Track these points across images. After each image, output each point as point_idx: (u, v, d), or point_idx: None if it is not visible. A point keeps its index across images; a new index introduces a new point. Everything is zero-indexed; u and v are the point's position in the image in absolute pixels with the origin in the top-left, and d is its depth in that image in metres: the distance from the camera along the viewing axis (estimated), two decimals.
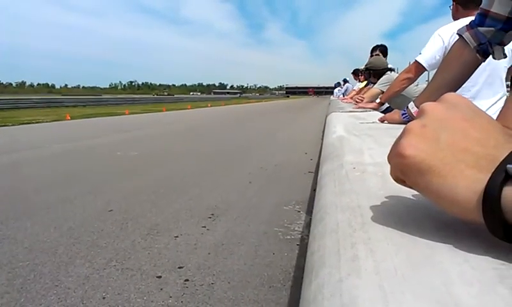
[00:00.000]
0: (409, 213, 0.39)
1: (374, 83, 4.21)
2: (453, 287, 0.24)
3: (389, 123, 1.53)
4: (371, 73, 4.24)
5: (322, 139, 1.63)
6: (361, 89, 6.46)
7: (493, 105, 2.15)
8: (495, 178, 0.28)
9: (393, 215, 0.39)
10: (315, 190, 0.75)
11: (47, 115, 18.26)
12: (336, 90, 14.63)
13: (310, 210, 3.47)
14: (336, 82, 15.99)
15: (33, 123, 14.41)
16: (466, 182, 0.29)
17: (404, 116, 1.44)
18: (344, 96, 9.45)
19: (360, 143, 0.97)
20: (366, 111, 2.63)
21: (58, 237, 3.03)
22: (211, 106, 33.76)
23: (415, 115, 1.41)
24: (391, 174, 0.36)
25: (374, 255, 0.29)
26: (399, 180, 0.36)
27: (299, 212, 3.60)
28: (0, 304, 2.08)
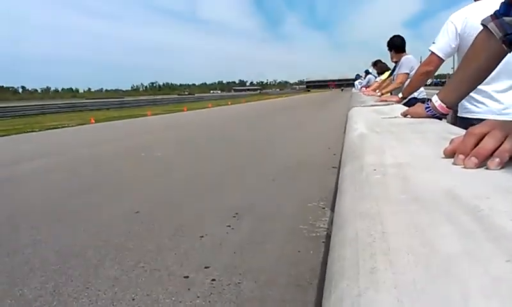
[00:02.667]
0: (430, 219, 0.38)
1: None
2: (471, 301, 0.24)
3: (412, 117, 1.51)
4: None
5: (344, 135, 1.62)
6: (384, 81, 6.36)
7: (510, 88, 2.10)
8: None
9: (414, 221, 0.38)
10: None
11: (72, 119, 18.75)
12: (357, 82, 14.40)
13: (334, 207, 3.45)
14: (356, 74, 15.75)
15: (58, 127, 14.81)
16: None
17: (427, 109, 1.41)
18: (365, 88, 9.30)
19: (381, 141, 0.96)
20: (388, 105, 2.59)
21: (87, 240, 3.11)
22: (231, 104, 33.87)
23: (439, 109, 1.38)
24: None
25: (393, 267, 0.30)
26: None
27: (323, 208, 3.58)
28: None
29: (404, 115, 1.54)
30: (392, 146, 0.88)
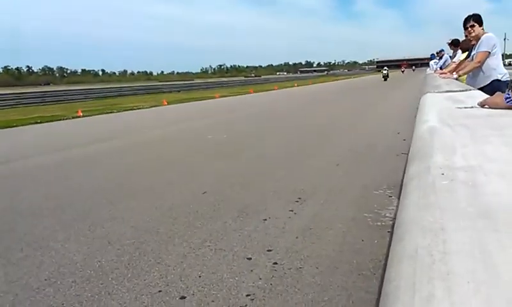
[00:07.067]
0: (498, 240, 0.36)
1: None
2: None
3: (490, 108, 1.40)
4: None
5: (414, 125, 1.54)
6: (462, 62, 5.91)
7: None
8: None
9: (480, 241, 0.37)
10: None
11: (146, 101, 19.75)
12: (432, 62, 13.53)
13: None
14: (431, 53, 14.80)
15: (135, 109, 15.72)
16: None
17: (508, 100, 1.30)
18: (441, 68, 8.71)
19: (452, 138, 0.91)
20: (466, 91, 2.42)
21: (159, 217, 3.31)
22: (297, 86, 33.57)
23: None
24: None
25: (451, 295, 0.29)
26: None
27: (390, 196, 3.47)
28: (111, 279, 2.36)
29: (482, 105, 1.44)
30: (465, 143, 0.83)
